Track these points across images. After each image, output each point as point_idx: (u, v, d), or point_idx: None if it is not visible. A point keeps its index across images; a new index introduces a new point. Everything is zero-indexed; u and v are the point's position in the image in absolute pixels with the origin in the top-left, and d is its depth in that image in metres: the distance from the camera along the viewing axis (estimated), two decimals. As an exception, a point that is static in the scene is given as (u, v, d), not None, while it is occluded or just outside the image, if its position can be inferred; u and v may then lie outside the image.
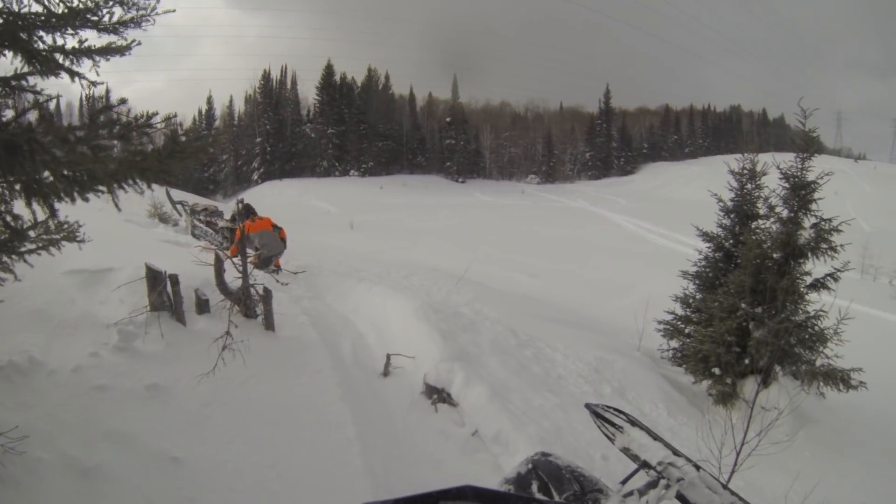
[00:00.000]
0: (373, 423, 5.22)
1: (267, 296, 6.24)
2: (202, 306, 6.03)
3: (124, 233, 9.48)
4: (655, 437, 3.63)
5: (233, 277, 6.31)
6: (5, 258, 3.66)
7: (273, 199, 50.95)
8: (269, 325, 6.27)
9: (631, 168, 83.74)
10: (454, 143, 75.03)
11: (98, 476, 3.45)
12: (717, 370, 9.18)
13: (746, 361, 9.11)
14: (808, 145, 9.39)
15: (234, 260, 6.32)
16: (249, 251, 9.33)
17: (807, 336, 9.10)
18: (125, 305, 5.43)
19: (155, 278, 5.52)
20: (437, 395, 6.05)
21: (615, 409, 3.95)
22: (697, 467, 3.36)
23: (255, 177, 70.01)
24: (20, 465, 3.26)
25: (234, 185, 69.80)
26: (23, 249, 3.70)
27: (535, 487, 2.34)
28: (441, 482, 4.31)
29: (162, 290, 5.55)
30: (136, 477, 3.56)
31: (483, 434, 5.44)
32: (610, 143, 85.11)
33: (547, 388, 6.74)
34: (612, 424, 3.81)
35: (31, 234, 3.71)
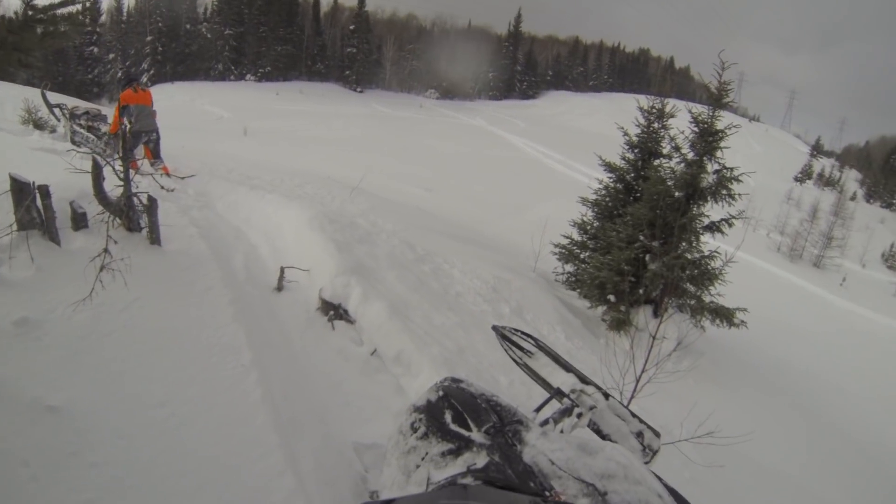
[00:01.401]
0: (269, 345, 4.84)
1: (152, 206, 5.41)
2: (79, 221, 5.18)
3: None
4: (563, 364, 3.48)
5: (113, 186, 5.44)
6: None
7: (164, 102, 48.11)
8: (154, 238, 5.50)
9: (533, 93, 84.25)
10: (356, 52, 72.66)
11: None
12: (612, 297, 9.33)
13: (640, 291, 9.31)
14: (723, 95, 9.52)
15: (115, 165, 5.48)
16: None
17: (698, 273, 9.38)
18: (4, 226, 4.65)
19: (21, 191, 4.65)
20: (334, 311, 5.75)
21: (523, 333, 3.80)
22: (607, 395, 3.24)
23: (145, 79, 64.27)
24: None
25: (120, 87, 65.16)
26: None
27: (448, 417, 2.20)
28: (342, 404, 4.06)
29: (30, 204, 4.67)
30: (10, 434, 3.04)
31: (383, 353, 5.22)
32: (515, 65, 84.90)
33: (447, 305, 6.58)
34: (520, 348, 3.64)
35: None
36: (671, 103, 10.81)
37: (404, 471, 2.13)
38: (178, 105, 47.17)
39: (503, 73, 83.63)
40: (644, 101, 10.94)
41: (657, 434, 3.27)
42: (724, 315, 9.36)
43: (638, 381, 5.17)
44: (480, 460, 1.93)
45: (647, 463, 3.01)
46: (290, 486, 3.19)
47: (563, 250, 11.01)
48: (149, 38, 66.82)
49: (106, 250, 4.38)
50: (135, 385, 3.63)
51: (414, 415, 2.30)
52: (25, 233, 4.56)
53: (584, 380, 3.43)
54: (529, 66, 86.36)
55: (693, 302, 9.49)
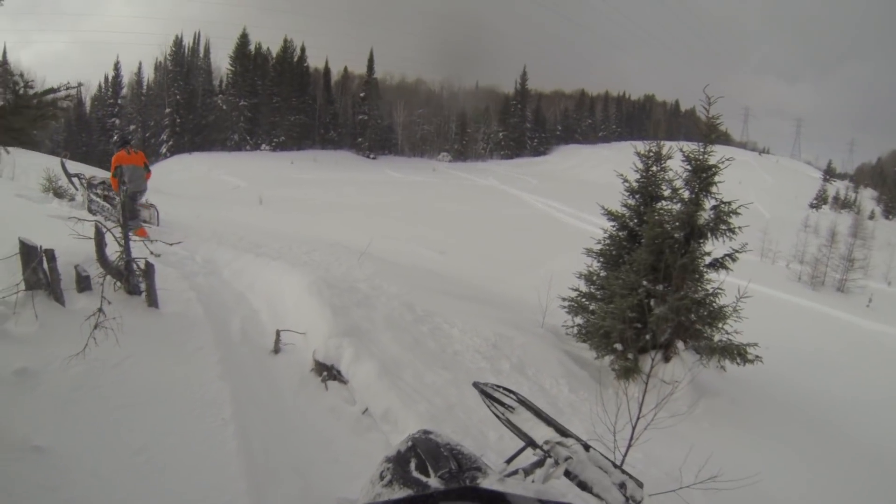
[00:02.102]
0: (256, 402, 4.96)
1: (149, 270, 5.76)
2: (83, 283, 5.51)
3: (12, 209, 8.85)
4: (544, 417, 3.49)
5: (114, 251, 5.83)
6: None
7: (181, 173, 49.94)
8: (151, 301, 5.82)
9: (544, 149, 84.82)
10: (367, 119, 73.99)
11: None
12: (618, 346, 9.24)
13: (647, 337, 9.19)
14: (711, 130, 9.53)
15: (115, 232, 5.78)
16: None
17: (706, 313, 9.24)
18: (0, 285, 4.93)
19: (29, 254, 4.99)
20: (327, 371, 5.83)
21: (504, 389, 3.85)
22: (587, 447, 3.22)
23: (164, 150, 67.25)
24: None
25: (115, 150, 66.36)
26: None
27: (412, 465, 2.27)
28: (330, 461, 4.09)
29: (37, 266, 5.03)
30: None
31: (373, 412, 5.28)
32: (524, 123, 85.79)
33: (441, 364, 6.58)
34: (502, 404, 3.66)
35: None
36: (668, 145, 10.84)
37: None
38: (196, 175, 48.21)
39: (513, 132, 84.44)
40: (641, 146, 10.98)
41: (640, 484, 3.23)
42: (736, 352, 9.12)
43: (634, 427, 5.09)
44: None
45: None
46: None
47: (573, 303, 10.93)
48: (167, 110, 68.69)
49: (100, 310, 4.63)
50: (117, 433, 3.82)
51: (384, 464, 2.35)
52: (32, 292, 4.89)
53: (563, 432, 3.39)
54: (538, 123, 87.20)
55: (702, 343, 9.29)
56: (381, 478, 2.27)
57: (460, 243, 21.26)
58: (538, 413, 3.63)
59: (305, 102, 73.40)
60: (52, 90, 4.01)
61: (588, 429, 6.17)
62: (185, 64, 71.75)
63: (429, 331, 7.61)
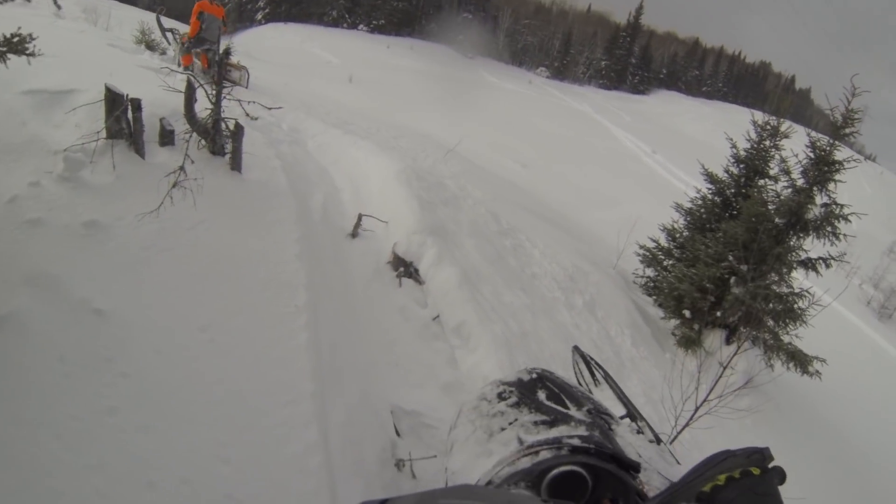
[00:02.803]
0: (329, 290, 4.78)
1: (238, 132, 5.50)
2: (166, 137, 5.29)
3: (103, 56, 8.50)
4: (624, 401, 3.33)
5: (203, 108, 5.58)
6: None
7: (274, 41, 49.48)
8: (235, 164, 5.58)
9: (643, 89, 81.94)
10: (471, 18, 71.89)
11: (9, 326, 2.98)
12: (687, 313, 8.94)
13: (718, 314, 8.87)
14: (847, 124, 8.87)
15: (208, 88, 5.50)
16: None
17: (782, 309, 8.85)
18: (81, 130, 4.76)
19: (114, 101, 4.78)
20: (405, 268, 5.66)
21: (597, 363, 3.69)
22: (659, 440, 3.04)
23: (260, 16, 66.20)
24: None
25: (235, 21, 65.76)
26: None
27: (542, 395, 2.15)
28: (391, 364, 3.93)
29: (121, 115, 4.81)
30: (53, 331, 3.07)
31: (445, 321, 5.10)
32: (629, 57, 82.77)
33: (520, 285, 6.39)
34: (592, 374, 3.53)
35: None
36: (787, 123, 10.22)
37: (486, 430, 2.03)
38: (288, 45, 47.64)
39: (616, 64, 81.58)
40: (759, 115, 10.37)
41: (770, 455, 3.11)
42: (801, 360, 8.78)
43: (696, 410, 4.87)
44: (581, 432, 1.84)
45: None
46: (311, 438, 3.17)
47: (648, 253, 10.63)
48: None
49: (182, 168, 4.45)
50: (182, 304, 3.64)
51: (502, 386, 2.23)
52: (112, 141, 4.70)
53: (640, 419, 3.32)
54: (644, 61, 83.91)
55: (770, 338, 8.99)
56: (501, 398, 2.15)
57: (544, 161, 20.84)
58: (620, 396, 3.53)
59: (409, -11, 71.46)
60: None
61: (646, 391, 6.00)
62: None
63: (511, 246, 7.40)
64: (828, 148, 8.81)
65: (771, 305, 8.76)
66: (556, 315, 6.29)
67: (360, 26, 66.92)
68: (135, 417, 2.84)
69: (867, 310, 26.10)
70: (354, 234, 6.04)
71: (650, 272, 10.55)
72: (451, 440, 2.23)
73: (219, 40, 11.19)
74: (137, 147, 4.94)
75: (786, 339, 9.00)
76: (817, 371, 8.77)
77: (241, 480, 2.82)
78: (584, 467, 1.60)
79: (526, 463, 1.72)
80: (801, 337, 8.92)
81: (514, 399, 2.12)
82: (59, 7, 13.86)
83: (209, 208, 4.62)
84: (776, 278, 8.81)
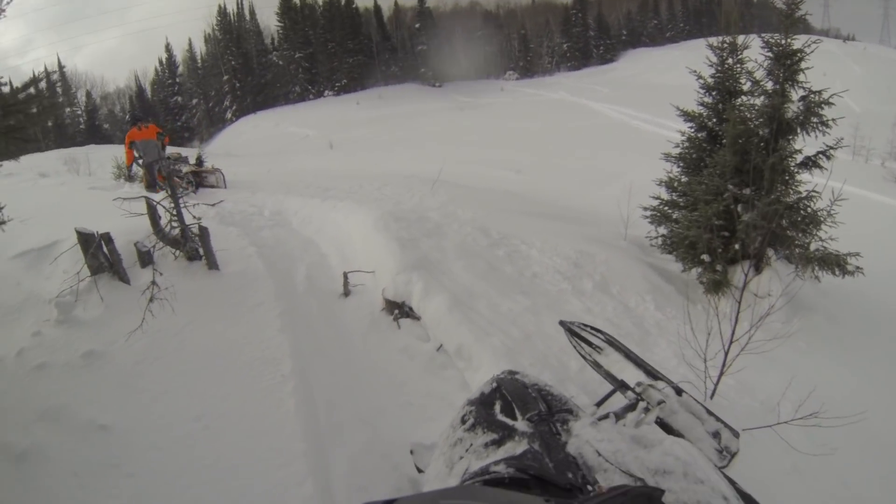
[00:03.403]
0: (321, 352, 4.92)
1: (203, 234, 5.77)
2: (145, 258, 5.59)
3: (84, 202, 9.01)
4: (633, 359, 3.22)
5: (166, 223, 5.91)
6: None
7: (249, 134, 51.11)
8: (211, 264, 5.86)
9: (611, 56, 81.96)
10: (427, 49, 73.08)
11: (30, 458, 3.39)
12: (706, 257, 8.71)
13: (736, 247, 8.63)
14: (793, 10, 8.65)
15: (166, 204, 5.87)
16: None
17: (799, 218, 8.58)
18: (68, 275, 5.12)
19: (87, 241, 5.13)
20: (398, 309, 5.67)
21: (592, 328, 3.62)
22: (679, 391, 2.92)
23: (229, 115, 67.89)
24: None
25: (208, 127, 67.93)
26: None
27: (497, 408, 2.17)
28: (403, 405, 3.92)
29: (96, 251, 5.16)
30: (65, 452, 3.49)
31: (447, 348, 5.08)
32: (587, 32, 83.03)
33: (519, 289, 6.31)
34: (590, 344, 3.43)
35: None
36: (743, 37, 10.00)
37: (448, 463, 2.05)
38: (263, 133, 48.91)
39: (577, 42, 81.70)
40: (714, 41, 10.19)
41: (736, 434, 3.01)
42: (835, 262, 8.31)
43: (727, 351, 4.66)
44: (519, 449, 1.81)
45: (723, 467, 2.71)
46: (307, 494, 3.30)
47: (655, 212, 10.35)
48: (225, 78, 68.88)
49: (153, 283, 4.84)
50: (176, 402, 3.98)
51: (466, 407, 2.26)
52: (95, 277, 5.12)
53: (654, 375, 3.32)
54: (602, 30, 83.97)
55: (798, 251, 8.65)
56: (463, 421, 2.17)
57: (537, 161, 20.83)
58: (628, 354, 3.48)
59: (361, 43, 72.35)
60: (32, 81, 4.07)
61: (676, 352, 5.80)
62: (233, 30, 71.27)
63: (505, 255, 7.32)
64: (783, 41, 8.59)
65: (785, 219, 8.49)
66: (563, 307, 6.18)
67: (326, 92, 68.33)
68: None
69: (896, 185, 25.23)
70: (346, 293, 6.10)
71: (663, 230, 10.32)
72: (423, 480, 2.28)
73: (160, 156, 11.91)
74: (120, 275, 5.31)
75: (814, 245, 8.67)
76: (857, 267, 8.34)
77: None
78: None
79: None
80: (836, 238, 8.47)
81: (471, 421, 2.12)
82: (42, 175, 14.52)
83: (191, 311, 4.96)
84: (782, 190, 8.55)
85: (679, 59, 58.27)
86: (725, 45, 9.82)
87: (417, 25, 74.51)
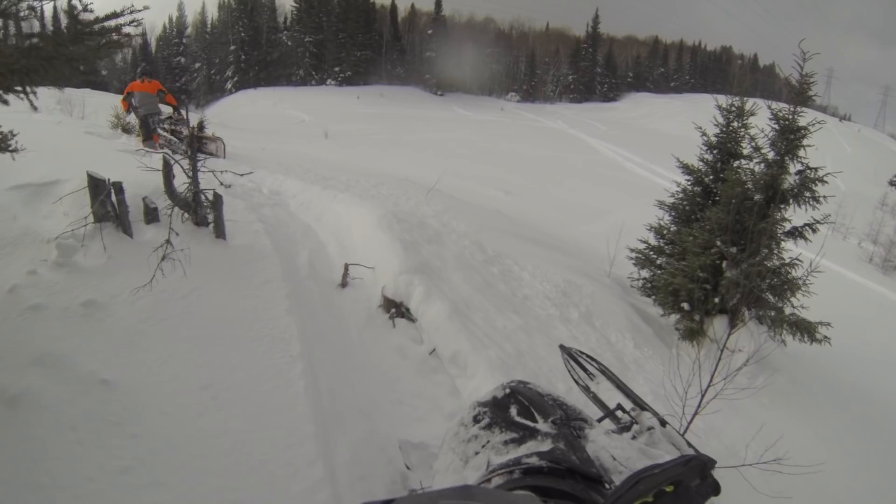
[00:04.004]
0: (323, 339, 4.89)
1: (217, 202, 5.62)
2: (151, 215, 5.47)
3: (83, 145, 8.91)
4: (623, 389, 3.41)
5: (181, 183, 5.74)
6: None
7: (247, 108, 50.48)
8: (219, 233, 5.72)
9: (614, 95, 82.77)
10: (435, 56, 73.07)
11: (23, 403, 3.16)
12: (686, 305, 9.00)
13: (716, 300, 8.93)
14: (805, 89, 8.99)
15: (184, 163, 5.68)
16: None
17: (778, 282, 8.91)
18: (69, 218, 4.96)
19: (97, 187, 4.96)
20: (396, 308, 5.76)
21: (588, 356, 3.76)
22: (663, 422, 3.09)
23: (229, 86, 67.72)
24: None
25: (206, 94, 67.76)
26: None
27: (514, 411, 2.17)
28: (394, 402, 4.05)
29: (105, 199, 5.00)
30: (63, 403, 3.25)
31: (441, 353, 5.17)
32: (594, 68, 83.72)
33: (512, 308, 6.47)
34: (584, 370, 3.60)
35: None
36: (751, 101, 10.35)
37: (462, 457, 2.07)
38: (261, 110, 48.45)
39: (583, 76, 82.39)
40: (723, 99, 10.51)
41: (711, 464, 3.16)
42: (805, 329, 8.72)
43: (703, 395, 4.92)
44: (545, 447, 1.86)
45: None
46: (317, 475, 3.26)
47: (640, 255, 10.68)
48: (232, 48, 68.78)
49: (168, 242, 4.60)
50: (183, 367, 3.80)
51: (478, 408, 2.26)
52: (100, 225, 4.87)
53: (641, 406, 3.33)
54: (609, 68, 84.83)
55: (772, 313, 9.00)
56: (476, 420, 2.19)
57: (527, 185, 21.00)
58: (619, 385, 3.59)
59: (372, 39, 72.55)
60: (114, 14, 3.84)
61: (653, 389, 6.06)
62: (248, 2, 70.88)
63: (499, 273, 7.50)
64: (790, 116, 8.91)
65: (766, 281, 8.82)
66: (552, 331, 6.38)
67: (329, 81, 68.00)
68: (148, 474, 3.00)
69: (870, 266, 25.86)
70: (343, 284, 6.15)
71: (645, 273, 10.60)
72: (434, 471, 2.27)
73: (157, 111, 12.59)
74: (125, 227, 5.11)
75: (788, 310, 9.02)
76: (825, 337, 8.75)
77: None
78: (535, 489, 1.57)
79: None
80: (807, 307, 8.87)
81: (486, 420, 2.16)
82: (35, 109, 14.44)
83: (199, 276, 4.76)
84: (766, 253, 8.86)
85: (679, 110, 59.34)
86: (733, 108, 10.15)
87: (430, 31, 74.68)
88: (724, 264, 8.95)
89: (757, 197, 8.88)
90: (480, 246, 8.05)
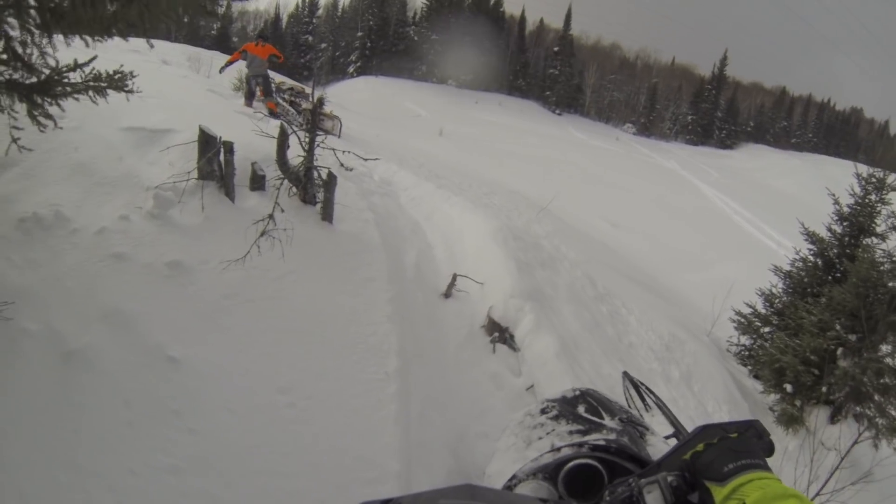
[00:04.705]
0: (421, 355, 4.59)
1: (331, 181, 5.42)
2: (257, 182, 5.35)
3: (202, 100, 8.96)
4: (678, 427, 3.29)
5: (296, 156, 5.55)
6: (43, 100, 3.43)
7: (365, 93, 51.11)
8: (326, 215, 5.51)
9: (731, 143, 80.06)
10: (557, 74, 72.32)
11: (79, 362, 3.04)
12: (789, 387, 8.36)
13: (823, 389, 8.24)
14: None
15: (301, 135, 5.54)
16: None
17: (893, 383, 8.13)
18: (174, 169, 4.89)
19: (207, 143, 4.92)
20: (500, 333, 5.44)
21: (648, 388, 3.82)
22: None
23: (351, 70, 69.10)
24: (1, 332, 3.02)
25: (328, 74, 69.30)
26: (58, 91, 3.45)
27: (581, 409, 2.29)
28: (480, 437, 3.73)
29: (213, 156, 4.92)
30: (122, 372, 3.10)
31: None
32: (715, 111, 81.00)
33: (617, 355, 6.09)
34: (642, 399, 3.65)
35: (71, 77, 3.45)
36: (893, 175, 9.58)
37: (525, 440, 2.16)
38: (379, 97, 48.94)
39: (702, 118, 79.99)
40: (863, 168, 9.79)
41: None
42: None
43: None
44: (611, 437, 1.97)
45: None
46: None
47: (743, 320, 10.08)
48: (359, 34, 70.22)
49: (271, 216, 4.41)
50: (263, 361, 3.56)
51: (546, 402, 2.38)
52: (203, 182, 4.79)
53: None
54: (730, 114, 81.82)
55: (882, 421, 8.05)
56: (544, 412, 2.28)
57: (632, 220, 20.49)
58: (673, 421, 3.47)
59: (497, 46, 72.12)
60: None
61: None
62: None
63: (608, 313, 7.12)
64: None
65: (885, 380, 8.09)
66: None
67: (449, 81, 68.53)
68: (198, 480, 2.75)
69: None
70: (448, 295, 5.89)
71: (745, 340, 10.00)
72: (494, 450, 2.35)
73: (265, 75, 12.89)
74: (227, 190, 5.02)
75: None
76: (941, 456, 7.91)
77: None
78: (601, 462, 1.68)
79: (548, 458, 1.87)
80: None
81: (554, 412, 2.26)
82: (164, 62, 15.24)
83: (297, 259, 4.56)
84: (890, 351, 8.14)
85: (797, 169, 57.13)
86: (873, 180, 9.45)
87: (556, 49, 74.14)
88: (840, 351, 8.29)
89: (891, 284, 8.17)
90: (591, 280, 7.70)
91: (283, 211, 4.72)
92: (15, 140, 3.63)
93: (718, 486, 1.33)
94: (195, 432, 2.95)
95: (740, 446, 1.35)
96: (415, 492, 1.53)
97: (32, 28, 3.01)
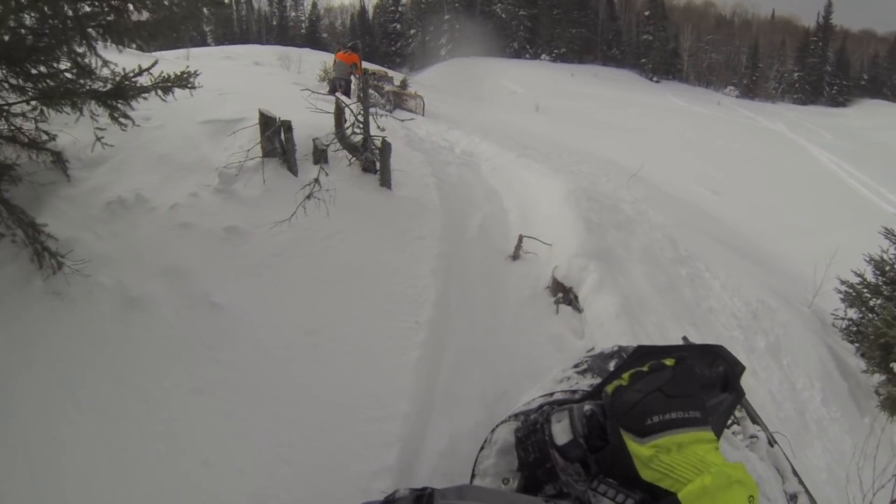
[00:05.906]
0: (469, 309, 4.68)
1: (385, 148, 5.77)
2: (319, 155, 5.77)
3: (283, 92, 9.33)
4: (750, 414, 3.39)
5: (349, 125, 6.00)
6: (118, 102, 3.97)
7: (459, 74, 51.89)
8: (384, 181, 5.89)
9: (843, 100, 74.29)
10: (651, 40, 70.45)
11: (136, 307, 3.57)
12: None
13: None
14: None
15: (354, 108, 5.97)
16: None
17: None
18: (243, 151, 5.28)
19: (266, 123, 5.35)
20: (563, 293, 5.27)
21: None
22: (772, 442, 3.15)
23: (443, 52, 69.47)
24: (82, 286, 3.58)
25: (420, 58, 70.22)
26: (130, 94, 3.97)
27: (611, 364, 2.34)
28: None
29: (272, 135, 5.37)
30: (170, 314, 3.60)
31: None
32: (824, 65, 75.21)
33: (691, 320, 5.75)
34: None
35: (139, 81, 4.00)
36: None
37: (548, 393, 2.26)
38: (473, 77, 49.35)
39: (810, 74, 74.43)
40: None
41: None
42: None
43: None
44: None
45: None
46: (387, 462, 3.05)
47: (851, 290, 9.09)
48: (446, 17, 70.53)
49: (316, 180, 4.79)
50: (296, 307, 3.94)
51: (584, 357, 2.49)
52: (265, 159, 5.31)
53: (754, 419, 3.32)
54: (840, 68, 75.15)
55: None
56: (576, 366, 2.39)
57: (737, 187, 19.87)
58: (749, 411, 3.41)
59: (587, 16, 71.48)
60: None
61: (829, 465, 5.13)
62: None
63: (687, 276, 6.75)
64: None
65: None
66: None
67: (543, 56, 68.56)
68: (216, 401, 3.15)
69: None
70: (515, 256, 5.84)
71: (853, 313, 9.14)
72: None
73: (348, 77, 14.89)
74: (290, 165, 5.47)
75: None
76: None
77: (295, 485, 2.86)
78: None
79: (539, 402, 2.04)
80: None
81: (584, 367, 2.36)
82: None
83: (347, 220, 4.97)
84: None
85: (923, 125, 53.09)
86: None
87: (647, 13, 72.27)
88: (958, 325, 7.48)
89: None
90: (672, 241, 7.37)
91: (327, 175, 5.03)
92: (99, 139, 4.20)
93: (636, 442, 1.15)
94: (221, 363, 3.38)
95: (676, 389, 1.13)
96: (414, 489, 1.59)
97: (94, 42, 3.57)
